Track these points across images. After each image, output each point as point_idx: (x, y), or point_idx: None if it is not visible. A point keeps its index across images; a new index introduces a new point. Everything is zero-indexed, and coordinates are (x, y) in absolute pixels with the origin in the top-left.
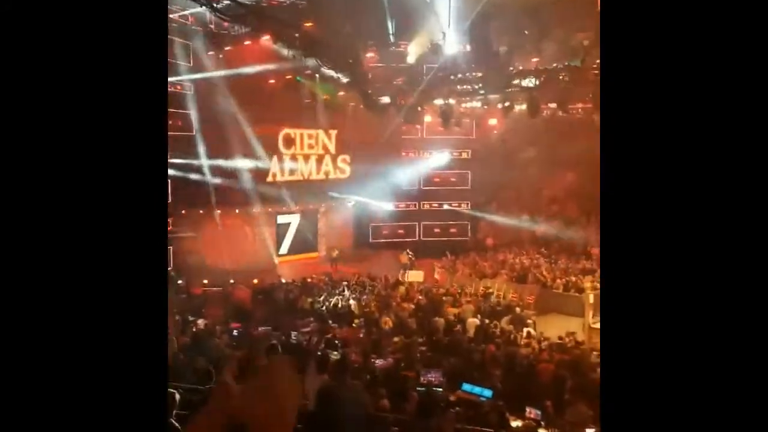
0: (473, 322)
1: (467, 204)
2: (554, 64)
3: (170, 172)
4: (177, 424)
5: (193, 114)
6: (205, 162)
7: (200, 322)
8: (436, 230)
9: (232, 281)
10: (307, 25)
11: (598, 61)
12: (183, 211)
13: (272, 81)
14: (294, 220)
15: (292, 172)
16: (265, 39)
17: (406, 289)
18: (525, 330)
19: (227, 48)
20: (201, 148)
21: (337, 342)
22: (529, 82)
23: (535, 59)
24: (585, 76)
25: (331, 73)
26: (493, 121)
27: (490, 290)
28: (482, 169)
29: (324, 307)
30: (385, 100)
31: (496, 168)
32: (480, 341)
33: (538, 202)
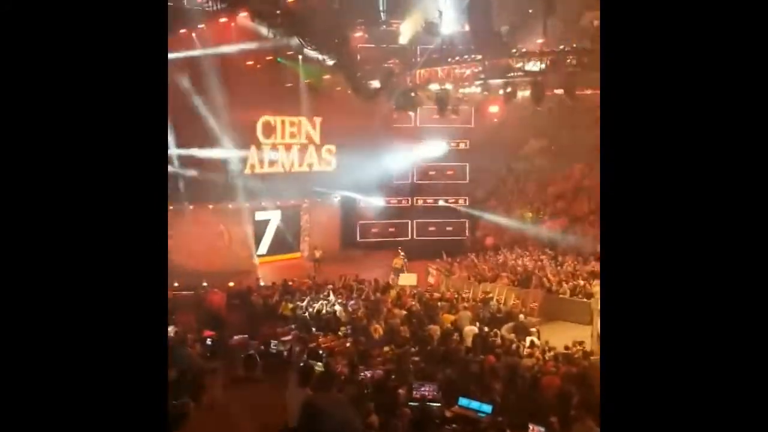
0: (471, 330)
1: (465, 200)
2: (561, 46)
3: None
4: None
5: None
6: (174, 152)
7: (170, 329)
8: (431, 228)
9: (205, 284)
10: (290, 0)
11: None
12: None
13: (250, 62)
14: (274, 217)
15: (272, 163)
16: (243, 16)
17: (397, 293)
18: (528, 339)
19: (200, 26)
20: (170, 137)
21: (321, 352)
22: (534, 65)
23: (540, 40)
24: (594, 60)
25: (316, 54)
26: (493, 109)
27: (490, 295)
28: (482, 162)
29: (307, 313)
30: (375, 84)
31: (497, 160)
32: (478, 351)
33: (543, 197)
